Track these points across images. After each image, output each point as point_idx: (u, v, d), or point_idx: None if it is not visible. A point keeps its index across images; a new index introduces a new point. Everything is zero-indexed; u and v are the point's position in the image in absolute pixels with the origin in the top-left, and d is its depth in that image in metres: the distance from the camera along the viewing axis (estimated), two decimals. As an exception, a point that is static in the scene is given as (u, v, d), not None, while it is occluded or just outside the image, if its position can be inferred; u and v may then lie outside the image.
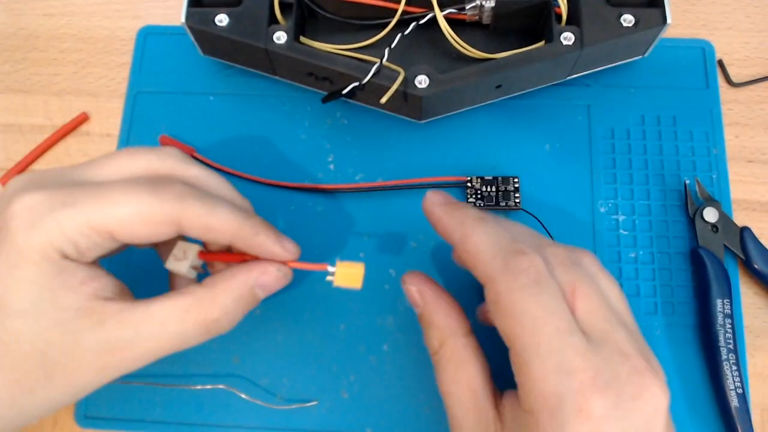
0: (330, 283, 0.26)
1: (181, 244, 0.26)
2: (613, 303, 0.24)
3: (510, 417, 0.23)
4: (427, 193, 0.27)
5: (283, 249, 0.25)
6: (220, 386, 0.31)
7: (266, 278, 0.25)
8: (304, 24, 0.35)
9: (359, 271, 0.25)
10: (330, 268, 0.25)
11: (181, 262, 0.25)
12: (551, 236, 0.33)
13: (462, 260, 0.25)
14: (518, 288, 0.22)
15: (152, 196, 0.23)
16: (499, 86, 0.33)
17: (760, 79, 0.36)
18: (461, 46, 0.32)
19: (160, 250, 0.28)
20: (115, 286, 0.24)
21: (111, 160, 0.25)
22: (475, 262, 0.24)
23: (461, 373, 0.25)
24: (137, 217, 0.23)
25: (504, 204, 0.33)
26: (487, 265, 0.23)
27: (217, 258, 0.26)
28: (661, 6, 0.32)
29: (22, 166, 0.36)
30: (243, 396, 0.31)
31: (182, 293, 0.24)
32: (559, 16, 0.32)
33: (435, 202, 0.26)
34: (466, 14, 0.33)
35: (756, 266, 0.32)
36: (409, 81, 0.31)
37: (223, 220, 0.24)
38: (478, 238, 0.24)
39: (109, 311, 0.23)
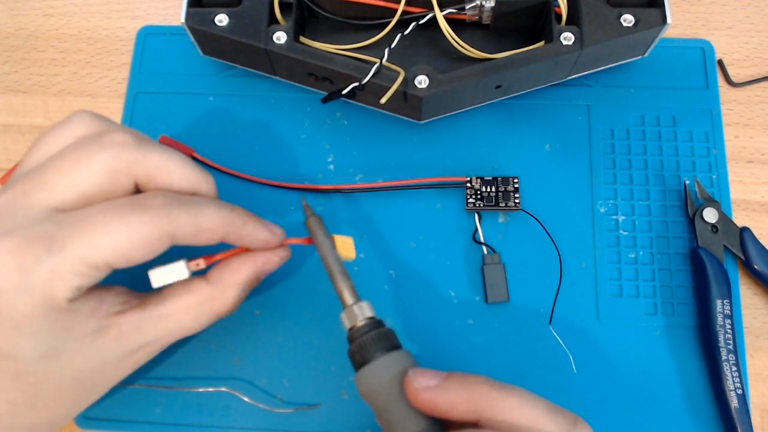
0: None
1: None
2: None
3: None
4: (411, 374, 0.23)
5: (272, 234, 0.26)
6: (222, 389, 0.31)
7: (270, 266, 0.27)
8: (304, 24, 0.35)
9: (350, 241, 0.27)
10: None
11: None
12: (551, 237, 0.33)
13: (492, 426, 0.22)
14: None
15: (139, 217, 0.22)
16: (499, 86, 0.33)
17: (760, 79, 0.36)
18: (461, 46, 0.32)
19: None
20: (120, 296, 0.25)
21: (62, 177, 0.23)
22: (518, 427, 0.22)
23: None
24: (133, 243, 0.22)
25: (504, 204, 0.33)
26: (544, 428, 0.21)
27: (212, 260, 0.26)
28: (661, 6, 0.31)
29: (22, 166, 0.36)
30: (245, 399, 0.31)
31: (192, 291, 0.26)
32: (559, 16, 0.32)
33: (426, 386, 0.22)
34: (466, 14, 0.33)
35: (756, 267, 0.32)
36: (409, 81, 0.31)
37: (212, 219, 0.24)
38: (516, 402, 0.22)
39: (124, 324, 0.24)
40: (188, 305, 0.26)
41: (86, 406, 0.26)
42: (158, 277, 0.25)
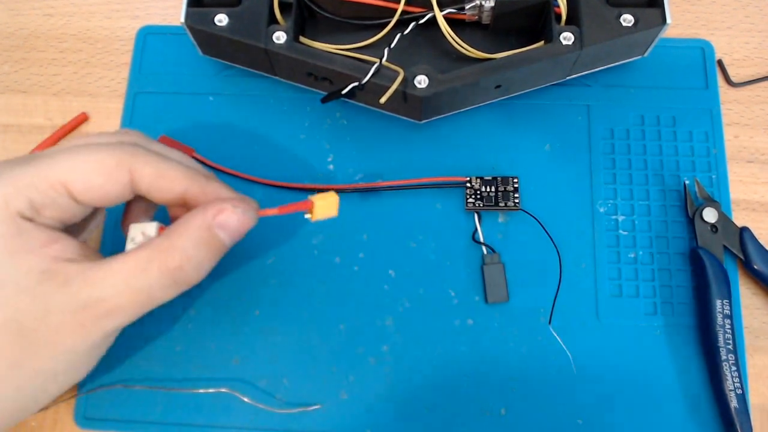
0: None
1: (136, 226, 0.25)
2: None
3: None
4: None
5: (237, 194, 0.26)
6: (222, 389, 0.31)
7: (224, 216, 0.25)
8: (304, 24, 0.35)
9: (333, 198, 0.26)
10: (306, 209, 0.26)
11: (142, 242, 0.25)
12: (551, 237, 0.33)
13: None
14: None
15: (102, 147, 0.24)
16: (498, 86, 0.33)
17: (759, 79, 0.36)
18: (461, 46, 0.32)
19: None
20: (78, 248, 0.25)
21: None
22: None
23: None
24: (90, 165, 0.24)
25: (503, 204, 0.33)
26: None
27: None
28: (661, 6, 0.31)
29: (22, 166, 0.36)
30: (245, 399, 0.31)
31: (142, 247, 0.24)
32: (558, 16, 0.32)
33: None
34: (465, 14, 0.33)
35: (755, 266, 0.32)
36: (408, 81, 0.31)
37: (175, 166, 0.25)
38: None
39: (72, 272, 0.23)
40: (136, 258, 0.24)
41: (35, 370, 0.23)
42: (134, 229, 0.25)
